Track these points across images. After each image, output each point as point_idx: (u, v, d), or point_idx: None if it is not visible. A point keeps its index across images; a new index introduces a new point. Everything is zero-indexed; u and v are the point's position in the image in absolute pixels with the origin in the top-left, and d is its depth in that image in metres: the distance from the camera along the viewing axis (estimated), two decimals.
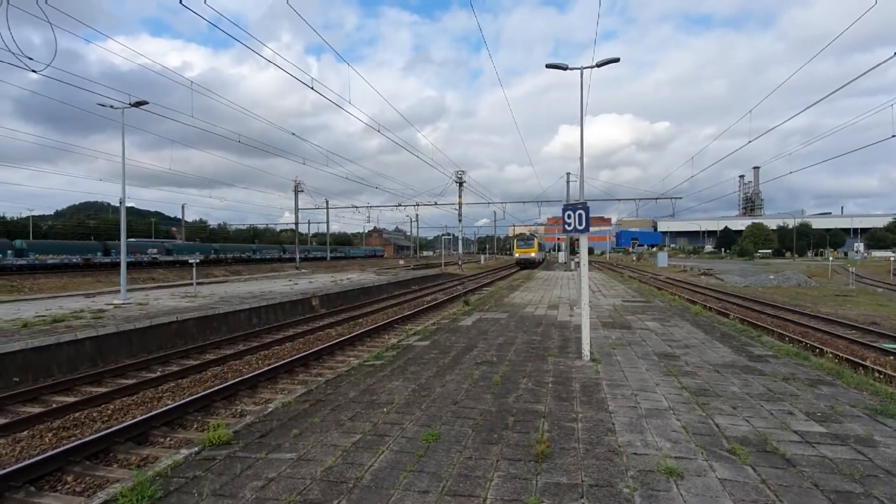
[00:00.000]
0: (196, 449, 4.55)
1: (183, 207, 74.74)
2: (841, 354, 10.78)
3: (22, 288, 27.16)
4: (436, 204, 55.03)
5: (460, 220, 51.60)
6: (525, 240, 59.61)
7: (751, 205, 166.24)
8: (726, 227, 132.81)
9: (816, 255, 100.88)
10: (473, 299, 19.12)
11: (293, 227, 62.61)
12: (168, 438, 6.58)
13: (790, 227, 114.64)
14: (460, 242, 56.16)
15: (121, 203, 17.14)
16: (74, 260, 41.80)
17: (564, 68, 14.94)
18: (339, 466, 4.13)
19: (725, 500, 3.51)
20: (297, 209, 56.98)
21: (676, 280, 37.71)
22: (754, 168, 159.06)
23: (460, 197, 49.54)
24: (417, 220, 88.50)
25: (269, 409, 5.70)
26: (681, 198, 46.26)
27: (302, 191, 55.91)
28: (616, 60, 14.73)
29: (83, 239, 60.35)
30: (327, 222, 77.17)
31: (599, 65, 14.79)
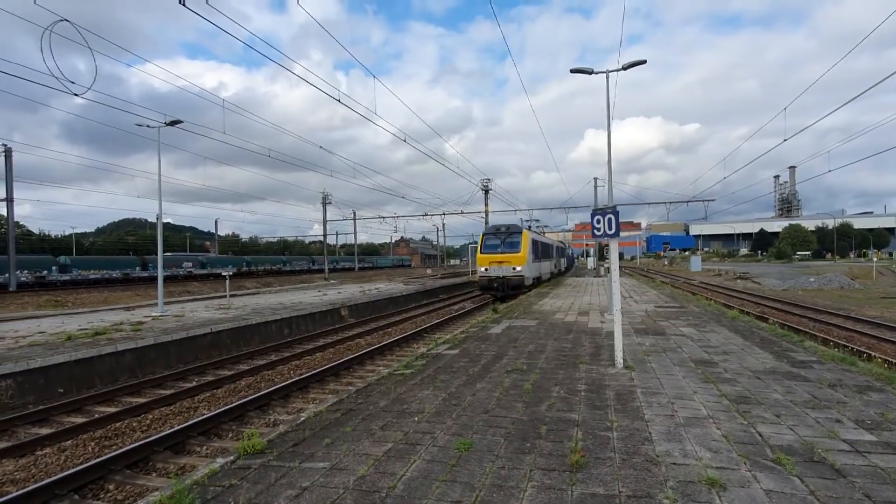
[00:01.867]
0: (231, 458, 4.61)
1: (216, 222, 76.65)
2: (890, 359, 10.28)
3: (66, 302, 28.25)
4: (462, 213, 55.03)
5: None
6: (501, 235, 27.53)
7: (787, 206, 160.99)
8: (762, 230, 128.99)
9: (859, 256, 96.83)
10: (502, 307, 18.99)
11: (322, 238, 63.53)
12: (204, 447, 6.70)
13: (830, 227, 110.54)
14: None
15: (158, 219, 17.69)
16: (114, 275, 43.33)
17: (590, 72, 14.80)
18: (372, 476, 4.12)
19: None
20: (325, 221, 57.83)
21: (711, 284, 36.71)
22: (790, 168, 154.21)
23: (486, 205, 49.47)
24: (444, 229, 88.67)
25: (302, 419, 5.75)
26: (713, 200, 44.84)
27: (330, 203, 56.75)
28: (643, 62, 14.52)
29: (122, 254, 62.57)
30: (355, 233, 77.95)
31: (626, 67, 14.59)
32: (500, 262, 25.96)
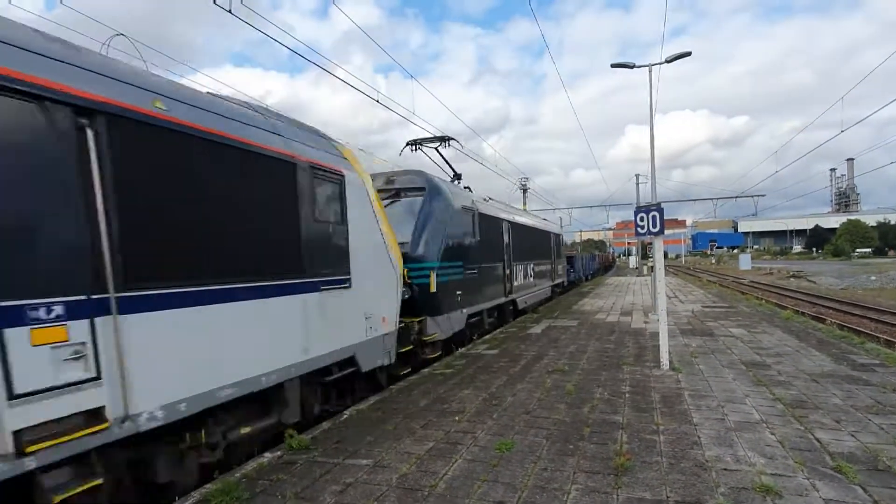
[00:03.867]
0: (278, 453, 4.74)
1: None
2: None
3: None
4: None
5: None
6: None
7: (845, 200, 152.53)
8: (817, 226, 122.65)
9: None
10: (542, 307, 18.79)
11: None
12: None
13: (893, 222, 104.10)
14: None
15: None
16: None
17: (631, 67, 14.47)
18: (414, 474, 4.15)
19: None
20: None
21: (762, 283, 35.21)
22: (848, 160, 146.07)
23: (525, 204, 49.10)
24: None
25: (345, 416, 5.86)
26: (764, 195, 42.59)
27: None
28: (687, 54, 14.08)
29: None
30: None
31: (669, 60, 14.20)
32: None
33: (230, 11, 7.65)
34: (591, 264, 39.35)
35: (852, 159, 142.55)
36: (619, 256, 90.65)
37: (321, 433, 5.27)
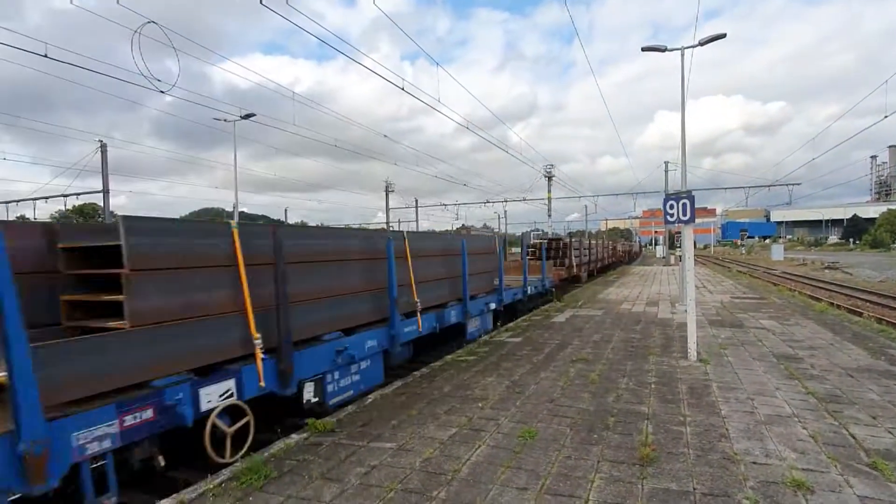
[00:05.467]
0: (305, 435, 4.84)
1: (286, 210, 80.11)
2: None
3: None
4: (524, 199, 54.32)
5: (549, 216, 50.54)
6: None
7: (885, 189, 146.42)
8: (855, 215, 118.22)
9: None
10: (566, 295, 18.63)
11: (385, 225, 64.86)
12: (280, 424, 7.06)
13: None
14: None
15: (234, 208, 18.72)
16: None
17: (663, 50, 14.07)
18: (437, 458, 4.19)
19: None
20: (388, 209, 59.10)
21: (795, 275, 34.17)
22: (890, 147, 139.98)
23: (549, 192, 48.53)
24: (506, 217, 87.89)
25: (369, 401, 5.94)
26: (799, 184, 40.95)
27: (393, 191, 57.89)
28: (722, 37, 13.61)
29: None
30: (416, 221, 79.00)
31: (703, 43, 13.75)
32: None
33: (261, 2, 7.70)
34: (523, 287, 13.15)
35: (894, 146, 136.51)
36: (645, 246, 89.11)
37: (346, 416, 5.36)
